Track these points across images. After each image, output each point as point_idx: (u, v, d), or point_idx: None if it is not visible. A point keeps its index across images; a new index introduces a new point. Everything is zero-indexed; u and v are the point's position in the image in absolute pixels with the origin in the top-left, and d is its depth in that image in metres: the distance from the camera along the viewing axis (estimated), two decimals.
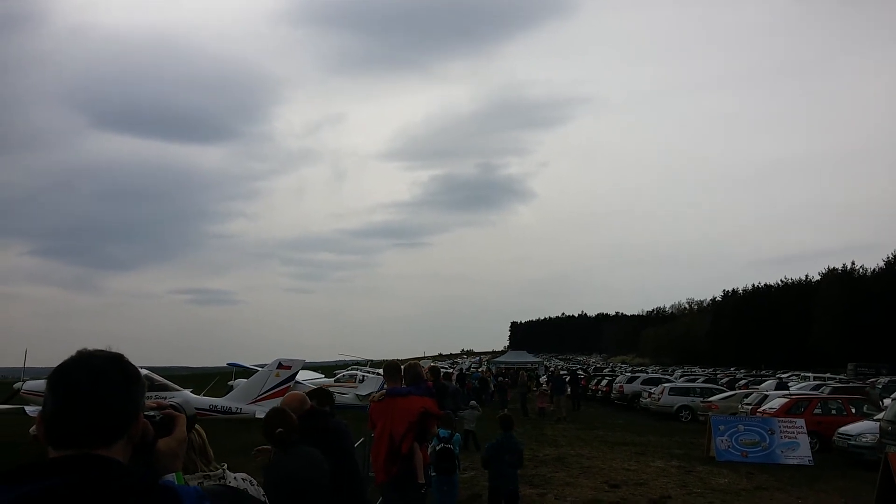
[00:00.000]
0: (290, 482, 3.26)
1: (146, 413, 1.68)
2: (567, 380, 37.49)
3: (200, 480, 2.97)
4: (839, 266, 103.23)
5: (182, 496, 1.46)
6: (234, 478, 3.17)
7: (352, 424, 6.08)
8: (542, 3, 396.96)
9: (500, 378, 34.31)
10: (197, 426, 3.20)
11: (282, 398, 5.43)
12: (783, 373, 59.80)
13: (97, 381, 1.51)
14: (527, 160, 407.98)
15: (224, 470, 3.16)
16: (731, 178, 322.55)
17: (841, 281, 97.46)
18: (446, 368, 47.68)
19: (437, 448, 8.86)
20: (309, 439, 4.31)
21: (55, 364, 1.58)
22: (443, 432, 9.07)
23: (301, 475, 3.44)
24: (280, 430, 3.77)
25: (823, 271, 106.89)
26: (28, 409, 15.77)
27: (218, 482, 3.01)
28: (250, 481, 3.17)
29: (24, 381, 19.19)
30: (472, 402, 20.51)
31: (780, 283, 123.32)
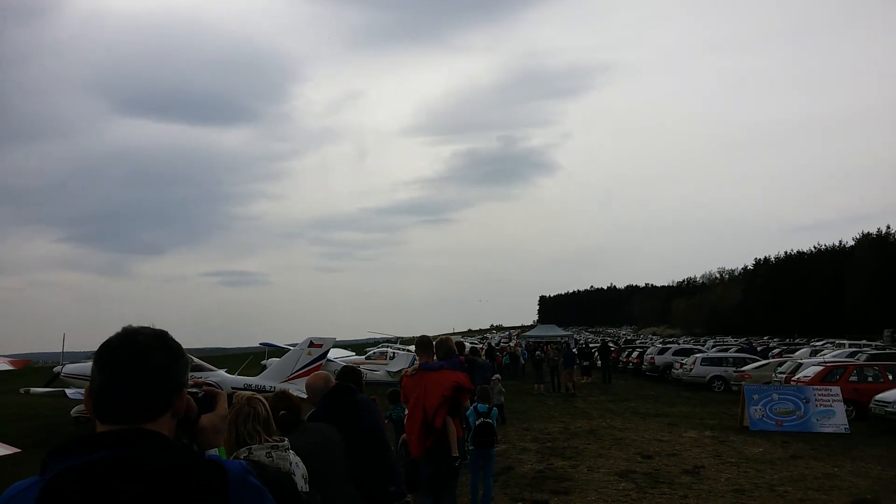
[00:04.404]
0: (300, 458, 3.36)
1: (189, 390, 1.73)
2: (595, 353, 37.34)
3: (268, 450, 3.15)
4: (874, 231, 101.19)
5: (228, 469, 1.53)
6: (292, 455, 3.26)
7: (382, 401, 6.13)
8: None
9: (537, 353, 34.00)
10: (264, 399, 3.47)
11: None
12: (818, 340, 58.95)
13: (142, 356, 1.56)
14: (550, 131, 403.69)
15: (286, 445, 3.29)
16: (762, 142, 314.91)
17: (876, 246, 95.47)
18: (475, 343, 47.86)
19: (478, 423, 8.92)
20: (335, 415, 4.50)
21: (92, 348, 1.61)
22: (482, 407, 9.11)
23: (311, 450, 3.54)
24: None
25: (858, 236, 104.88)
26: (68, 391, 16.16)
27: (285, 452, 3.20)
28: (297, 464, 3.22)
29: (63, 364, 19.66)
30: (496, 376, 20.62)
31: (813, 249, 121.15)
